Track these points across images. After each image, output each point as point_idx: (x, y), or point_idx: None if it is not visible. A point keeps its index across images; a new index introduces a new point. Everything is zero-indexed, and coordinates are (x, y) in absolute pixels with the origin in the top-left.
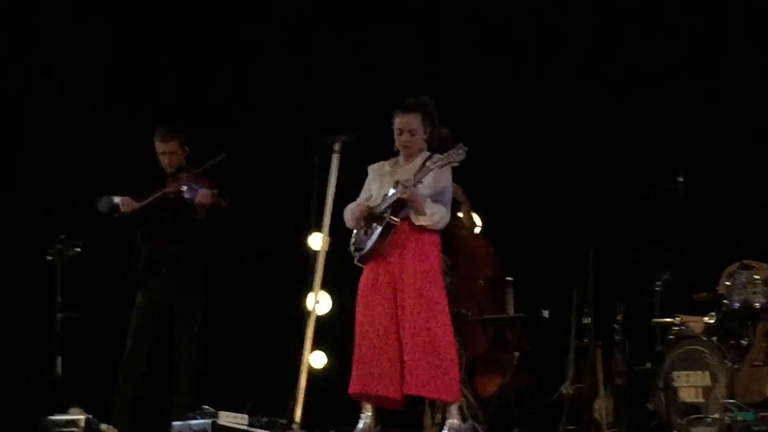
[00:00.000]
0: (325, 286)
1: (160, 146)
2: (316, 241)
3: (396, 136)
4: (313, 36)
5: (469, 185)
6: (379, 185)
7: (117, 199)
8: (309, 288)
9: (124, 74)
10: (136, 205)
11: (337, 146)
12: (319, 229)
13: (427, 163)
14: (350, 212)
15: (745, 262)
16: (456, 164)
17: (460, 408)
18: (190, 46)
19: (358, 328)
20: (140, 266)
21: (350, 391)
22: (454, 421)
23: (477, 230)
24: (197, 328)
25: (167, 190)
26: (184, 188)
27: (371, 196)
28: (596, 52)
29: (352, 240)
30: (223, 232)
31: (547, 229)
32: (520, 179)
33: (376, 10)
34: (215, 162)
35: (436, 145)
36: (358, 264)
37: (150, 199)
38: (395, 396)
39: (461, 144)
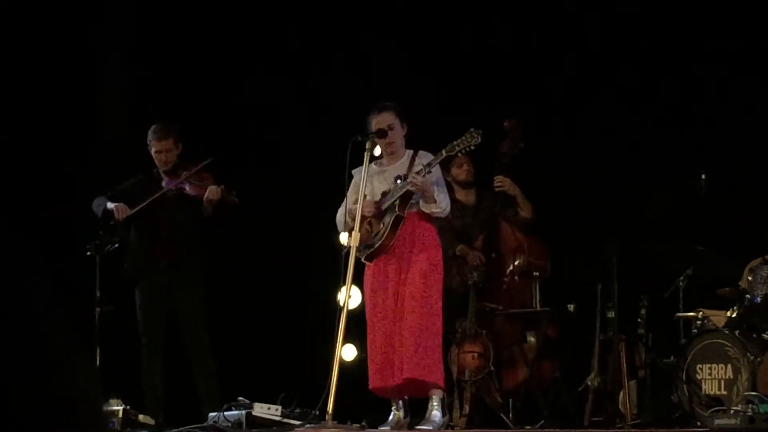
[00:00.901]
0: (356, 281)
1: (156, 145)
2: (346, 237)
3: (381, 137)
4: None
5: (517, 180)
6: (371, 186)
7: (111, 206)
8: (341, 283)
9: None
10: (129, 212)
11: (368, 144)
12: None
13: (417, 159)
14: (343, 217)
15: (767, 257)
16: (471, 149)
17: (442, 401)
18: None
19: (369, 326)
20: (136, 262)
21: (370, 386)
22: (436, 413)
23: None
24: (204, 318)
25: (168, 188)
26: (186, 186)
27: (365, 196)
28: (615, 47)
29: (347, 239)
30: (263, 229)
31: (572, 226)
32: (546, 176)
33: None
34: (210, 161)
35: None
36: (365, 261)
37: (146, 202)
38: (395, 384)
39: (472, 129)
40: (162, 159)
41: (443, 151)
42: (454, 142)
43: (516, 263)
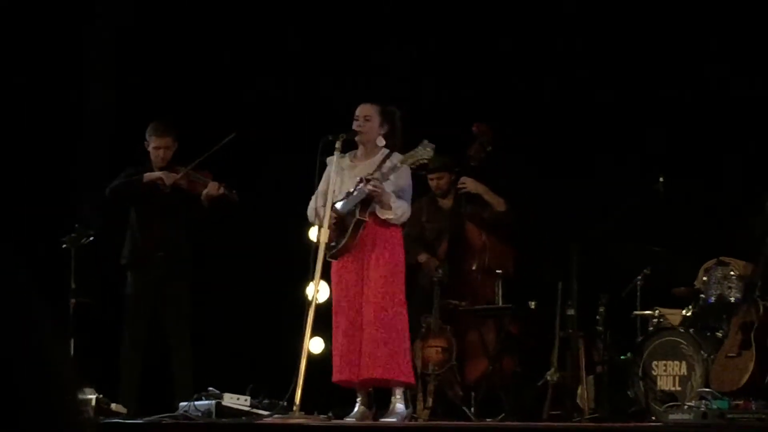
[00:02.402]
0: (324, 276)
1: (155, 141)
2: (316, 233)
3: (354, 124)
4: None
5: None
6: (340, 180)
7: (154, 174)
8: (310, 278)
9: (140, 70)
10: (176, 176)
11: (338, 143)
12: (314, 222)
13: (388, 161)
14: (315, 209)
15: (722, 258)
16: (425, 161)
17: (404, 393)
18: (195, 46)
19: (334, 321)
20: (133, 252)
21: (333, 380)
22: (399, 405)
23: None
24: (188, 311)
25: (164, 183)
26: (184, 182)
27: (334, 192)
28: (581, 59)
29: (316, 234)
30: (230, 221)
31: (535, 227)
32: (509, 178)
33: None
34: (205, 157)
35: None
36: (330, 259)
37: (192, 165)
38: (356, 379)
39: (426, 141)
40: (160, 155)
41: (398, 162)
42: (409, 153)
43: (478, 262)
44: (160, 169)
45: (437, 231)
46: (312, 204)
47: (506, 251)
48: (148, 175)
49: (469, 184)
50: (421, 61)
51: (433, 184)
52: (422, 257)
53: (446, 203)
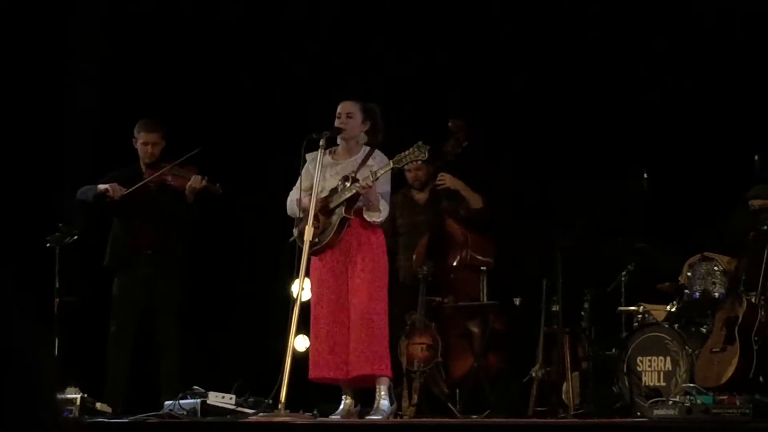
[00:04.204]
0: (309, 274)
1: (144, 136)
2: (300, 231)
3: (336, 122)
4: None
5: (461, 176)
6: (322, 177)
7: (103, 186)
8: (294, 275)
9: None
10: (125, 190)
11: (322, 141)
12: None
13: (370, 159)
14: (295, 203)
15: (706, 254)
16: (418, 162)
17: (389, 390)
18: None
19: (313, 319)
20: (119, 252)
21: (310, 377)
22: (384, 402)
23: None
24: (178, 310)
25: (148, 179)
26: (169, 177)
27: (310, 186)
28: (566, 53)
29: (295, 230)
30: (214, 221)
31: (520, 222)
32: (493, 171)
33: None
34: (191, 155)
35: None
36: (311, 256)
37: (139, 185)
38: (345, 377)
39: (420, 142)
40: (148, 151)
41: (391, 162)
42: (402, 154)
43: (460, 257)
44: (148, 166)
45: (411, 225)
46: (291, 197)
47: (487, 246)
48: (101, 187)
49: (447, 180)
50: (397, 57)
51: (411, 175)
52: (402, 262)
53: (422, 197)
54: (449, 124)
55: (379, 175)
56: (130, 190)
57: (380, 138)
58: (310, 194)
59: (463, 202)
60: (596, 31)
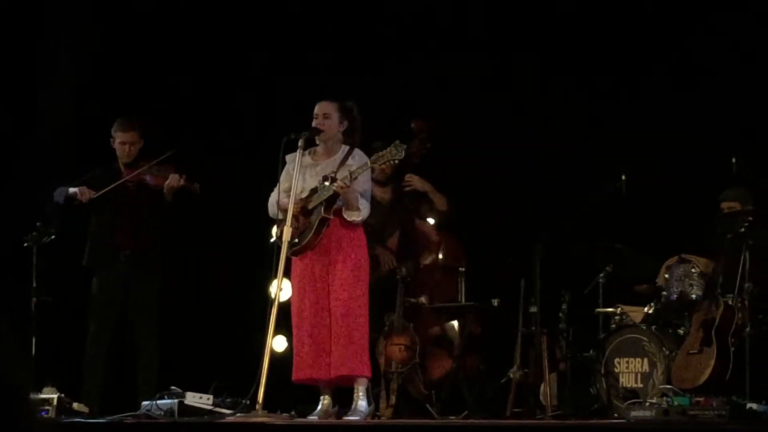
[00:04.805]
0: (287, 274)
1: (121, 136)
2: (278, 231)
3: (313, 122)
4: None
5: (428, 177)
6: (302, 178)
7: (73, 190)
8: (272, 276)
9: (103, 72)
10: (93, 194)
11: (301, 142)
12: (274, 218)
13: (350, 158)
14: (276, 205)
15: (683, 256)
16: (395, 162)
17: (367, 391)
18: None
19: (294, 320)
20: (98, 252)
21: (293, 378)
22: (362, 403)
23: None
24: (156, 310)
25: (126, 178)
26: (147, 177)
27: (289, 187)
28: (544, 50)
29: (276, 231)
30: (193, 222)
31: (498, 224)
32: (472, 173)
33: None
34: (166, 157)
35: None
36: (291, 256)
37: (110, 187)
38: (326, 377)
39: (398, 141)
40: (126, 150)
41: (369, 161)
42: (380, 154)
43: (434, 258)
44: (126, 165)
45: (380, 224)
46: (272, 198)
47: (460, 247)
48: (71, 190)
49: (415, 181)
50: (361, 57)
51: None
52: (378, 250)
53: (384, 196)
54: (412, 125)
55: (356, 174)
56: (101, 193)
57: (358, 137)
58: (290, 195)
59: (430, 204)
60: (576, 25)
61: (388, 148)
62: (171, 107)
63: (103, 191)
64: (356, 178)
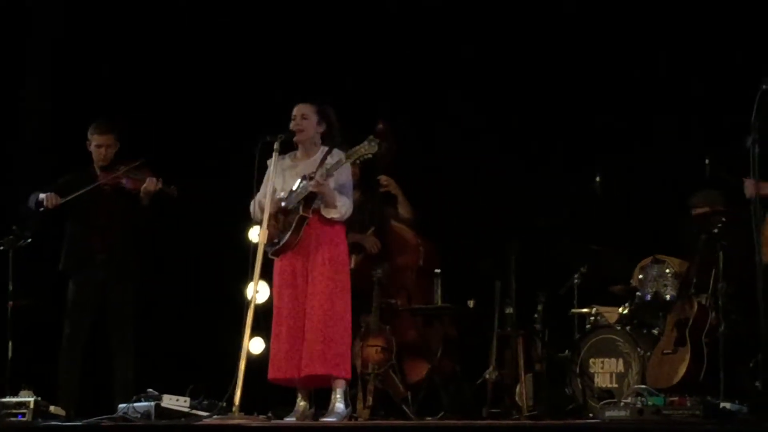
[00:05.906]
0: (263, 276)
1: (97, 139)
2: (256, 233)
3: (291, 124)
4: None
5: (398, 180)
6: (282, 180)
7: (42, 195)
8: (249, 278)
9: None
10: (60, 200)
11: (276, 144)
12: (258, 222)
13: (329, 158)
14: (258, 207)
15: (657, 256)
16: (369, 156)
17: (345, 392)
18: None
19: (275, 319)
20: (74, 255)
21: (269, 377)
22: (339, 405)
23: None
24: (132, 313)
25: (102, 181)
26: (124, 180)
27: (274, 191)
28: (518, 60)
29: (257, 235)
30: (169, 225)
31: (474, 225)
32: (448, 175)
33: None
34: (135, 165)
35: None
36: (272, 257)
37: (79, 192)
38: (299, 376)
39: (371, 136)
40: (102, 153)
41: (343, 158)
42: (354, 149)
43: (411, 260)
44: (102, 168)
45: (357, 223)
46: (253, 203)
47: (434, 250)
48: (40, 196)
49: (391, 185)
50: (333, 58)
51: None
52: (357, 237)
53: (355, 197)
54: (378, 126)
55: (332, 171)
56: (72, 196)
57: (337, 139)
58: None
59: (395, 208)
60: (552, 29)
61: (363, 144)
62: (147, 110)
63: (75, 194)
64: (332, 174)
